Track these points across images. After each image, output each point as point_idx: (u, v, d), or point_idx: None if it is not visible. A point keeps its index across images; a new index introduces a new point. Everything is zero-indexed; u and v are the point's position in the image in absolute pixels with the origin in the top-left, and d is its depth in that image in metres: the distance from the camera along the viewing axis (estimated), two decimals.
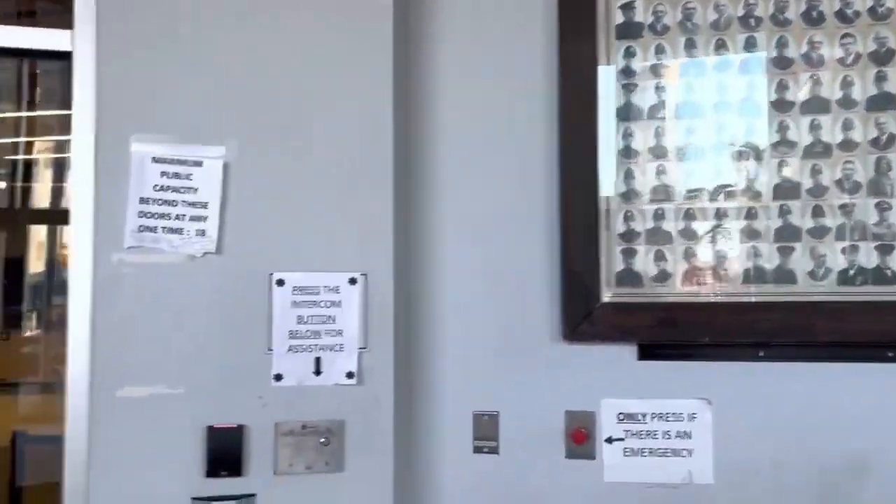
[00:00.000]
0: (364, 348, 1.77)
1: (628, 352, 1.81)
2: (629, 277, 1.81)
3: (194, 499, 1.68)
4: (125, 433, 1.67)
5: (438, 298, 1.88)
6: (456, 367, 1.87)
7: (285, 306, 1.75)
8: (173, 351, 1.70)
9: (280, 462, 1.72)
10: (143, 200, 1.71)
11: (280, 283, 1.75)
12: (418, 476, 1.85)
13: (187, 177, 1.72)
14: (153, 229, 1.70)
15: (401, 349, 1.81)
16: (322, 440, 1.74)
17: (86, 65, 1.72)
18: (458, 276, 1.88)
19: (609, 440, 1.80)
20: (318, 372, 1.75)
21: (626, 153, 1.83)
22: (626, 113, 1.83)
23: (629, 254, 1.82)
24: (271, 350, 1.73)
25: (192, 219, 1.71)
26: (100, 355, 1.68)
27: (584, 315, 1.79)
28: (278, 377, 1.73)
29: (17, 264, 4.96)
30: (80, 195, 1.71)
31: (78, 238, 1.71)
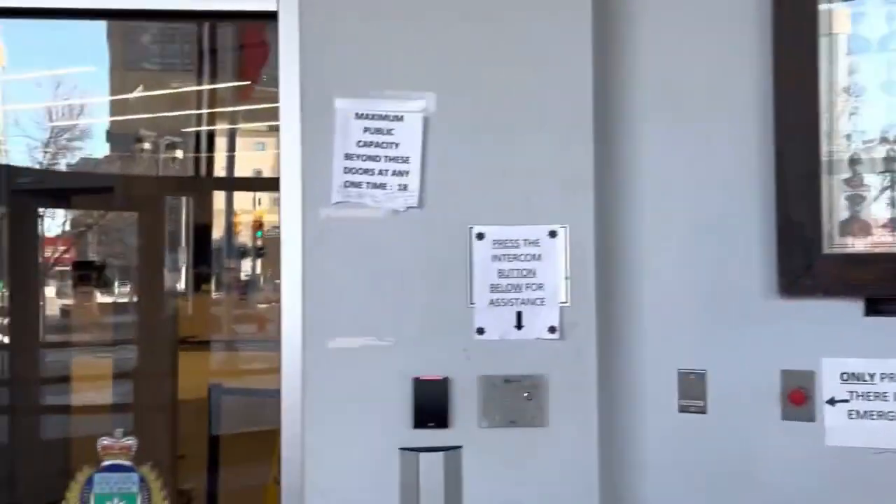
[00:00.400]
0: (565, 302, 1.73)
1: (853, 307, 1.67)
2: (856, 226, 1.66)
3: (402, 449, 1.71)
4: (336, 385, 1.73)
5: (641, 251, 1.81)
6: (659, 322, 1.80)
7: (485, 260, 1.73)
8: (379, 303, 1.73)
9: (484, 415, 1.72)
10: (347, 156, 1.73)
11: (480, 236, 1.73)
12: (622, 433, 1.80)
13: (389, 132, 1.73)
14: (358, 185, 1.73)
15: (602, 303, 1.76)
16: (525, 394, 1.72)
17: (291, 23, 1.75)
18: (662, 228, 1.79)
19: (831, 402, 1.68)
20: (519, 326, 1.73)
21: (853, 90, 1.67)
22: (852, 46, 1.67)
23: (856, 200, 1.67)
24: (473, 303, 1.73)
25: (395, 173, 1.72)
26: (310, 309, 1.74)
27: (804, 268, 1.66)
28: (480, 331, 1.73)
29: (202, 231, 5.28)
30: (288, 153, 1.75)
31: (288, 197, 1.76)
